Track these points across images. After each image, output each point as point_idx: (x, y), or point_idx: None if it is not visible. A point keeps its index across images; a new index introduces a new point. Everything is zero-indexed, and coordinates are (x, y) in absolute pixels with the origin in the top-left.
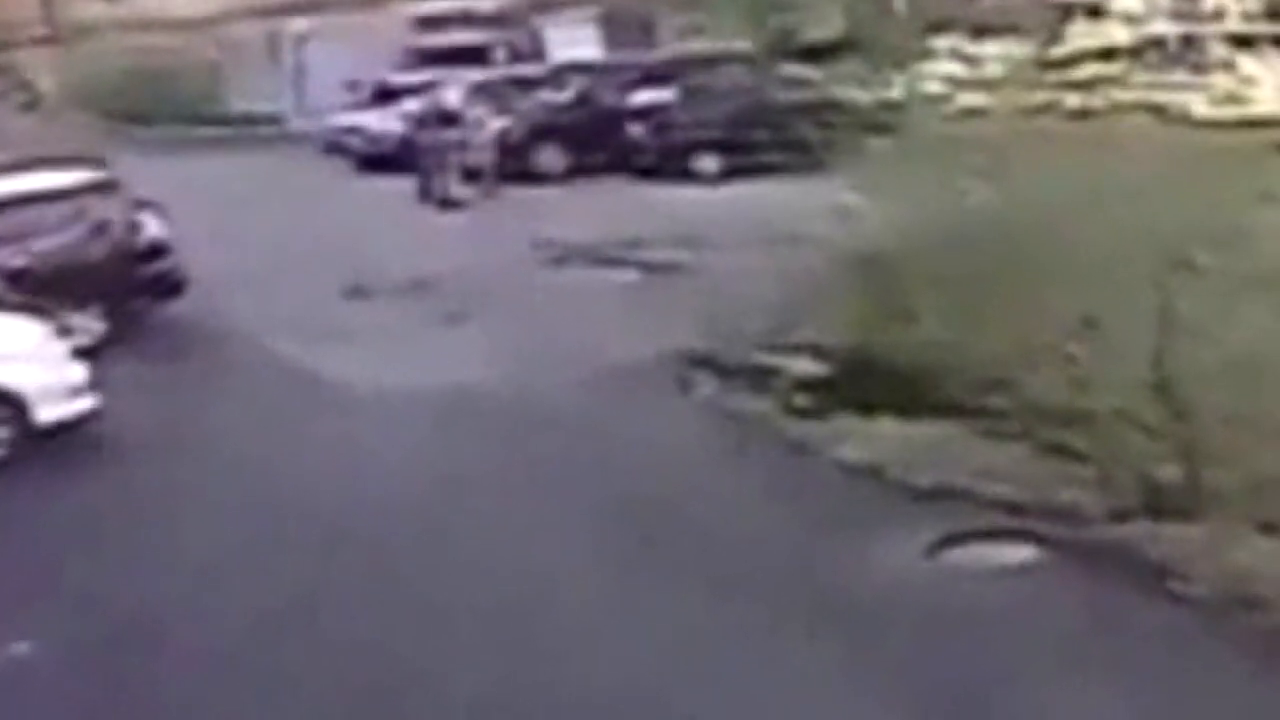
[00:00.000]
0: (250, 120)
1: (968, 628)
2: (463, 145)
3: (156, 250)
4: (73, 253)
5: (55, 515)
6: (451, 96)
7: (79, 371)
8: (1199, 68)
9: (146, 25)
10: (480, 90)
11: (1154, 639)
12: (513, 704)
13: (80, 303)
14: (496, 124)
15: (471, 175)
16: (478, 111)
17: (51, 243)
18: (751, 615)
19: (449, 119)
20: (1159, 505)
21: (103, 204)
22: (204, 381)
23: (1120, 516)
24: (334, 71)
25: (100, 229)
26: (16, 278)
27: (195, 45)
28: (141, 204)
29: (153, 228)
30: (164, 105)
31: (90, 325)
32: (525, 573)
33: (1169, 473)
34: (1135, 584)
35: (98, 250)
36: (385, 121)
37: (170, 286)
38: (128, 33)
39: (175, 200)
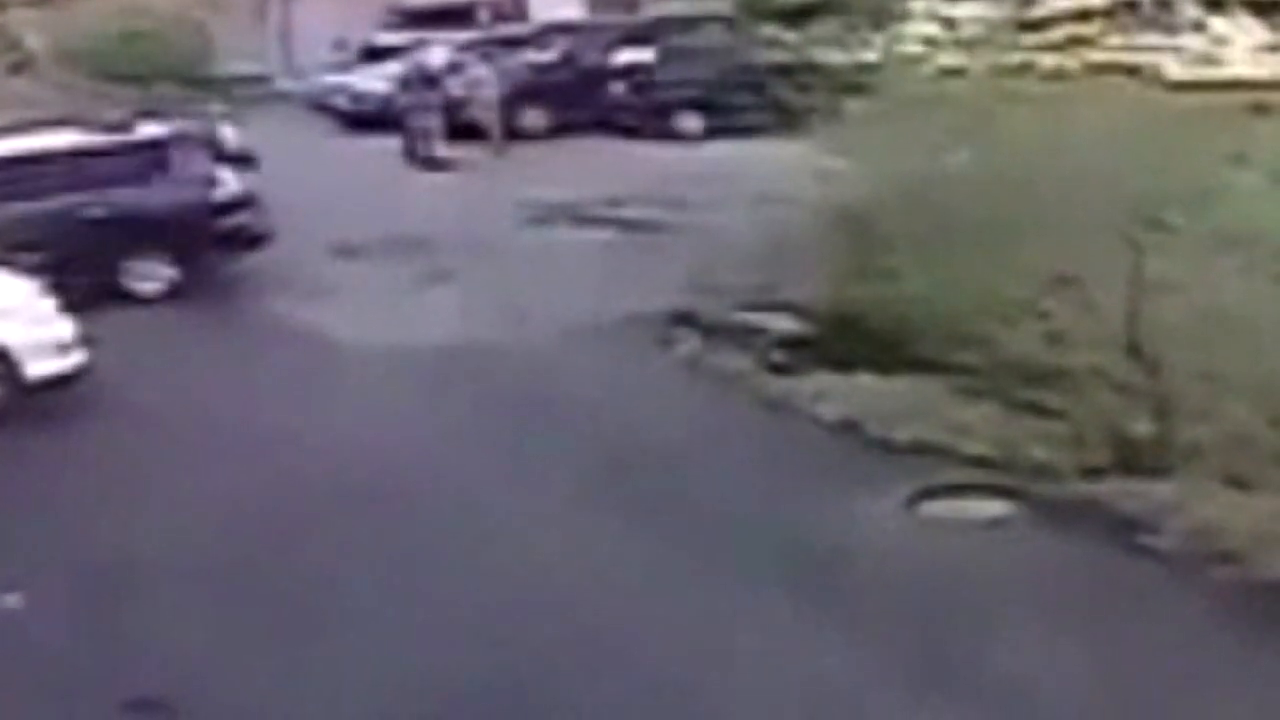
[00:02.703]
0: (238, 80)
1: (941, 579)
2: (461, 104)
3: (234, 204)
4: (148, 203)
5: (46, 468)
6: (436, 57)
7: (67, 327)
8: (1172, 29)
9: None
10: (465, 50)
11: (1125, 592)
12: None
13: (154, 251)
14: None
15: (474, 133)
16: (479, 71)
17: (129, 193)
18: (729, 565)
19: (433, 80)
20: (1131, 461)
21: (182, 157)
22: (201, 334)
23: (1092, 472)
24: (320, 32)
25: (177, 182)
26: (95, 226)
27: (184, 6)
28: (225, 158)
29: (232, 182)
30: (152, 66)
31: (162, 273)
32: (500, 530)
33: (1141, 429)
34: (1107, 538)
35: (173, 201)
36: (371, 81)
37: (248, 240)
38: None
39: None
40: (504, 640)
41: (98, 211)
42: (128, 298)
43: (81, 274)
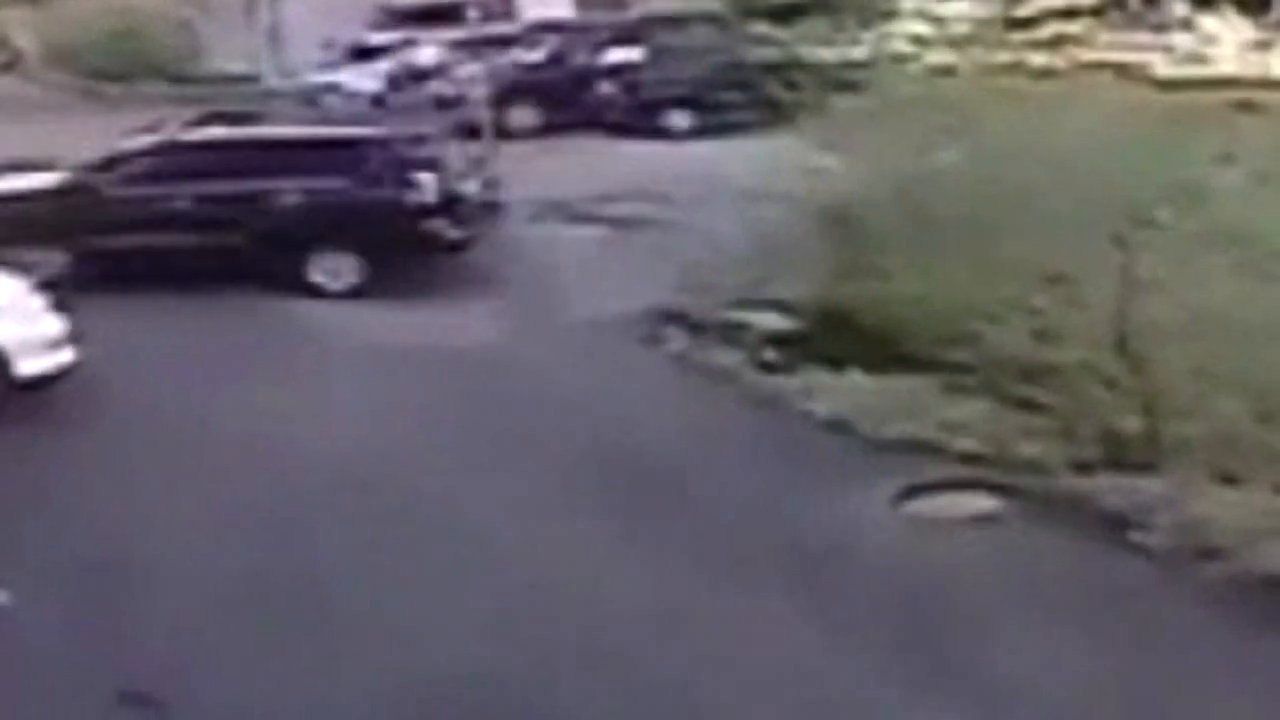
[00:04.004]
0: (226, 79)
1: (931, 575)
2: (451, 102)
3: (431, 209)
4: (341, 199)
5: (39, 466)
6: (425, 56)
7: (57, 325)
8: (1161, 27)
9: None
10: (455, 49)
11: (1114, 587)
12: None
13: (343, 248)
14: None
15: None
16: (471, 68)
17: (323, 185)
18: (719, 559)
19: (423, 77)
20: (1120, 457)
21: (379, 157)
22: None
23: (1082, 468)
24: (310, 30)
25: (372, 181)
26: (288, 214)
27: (173, 5)
28: (427, 163)
29: (429, 189)
30: (141, 65)
31: (347, 271)
32: (491, 524)
33: (1130, 425)
34: (1096, 534)
35: (366, 200)
36: (361, 80)
37: (443, 246)
38: None
39: None
40: (499, 635)
41: (290, 200)
42: (313, 291)
43: (269, 261)
